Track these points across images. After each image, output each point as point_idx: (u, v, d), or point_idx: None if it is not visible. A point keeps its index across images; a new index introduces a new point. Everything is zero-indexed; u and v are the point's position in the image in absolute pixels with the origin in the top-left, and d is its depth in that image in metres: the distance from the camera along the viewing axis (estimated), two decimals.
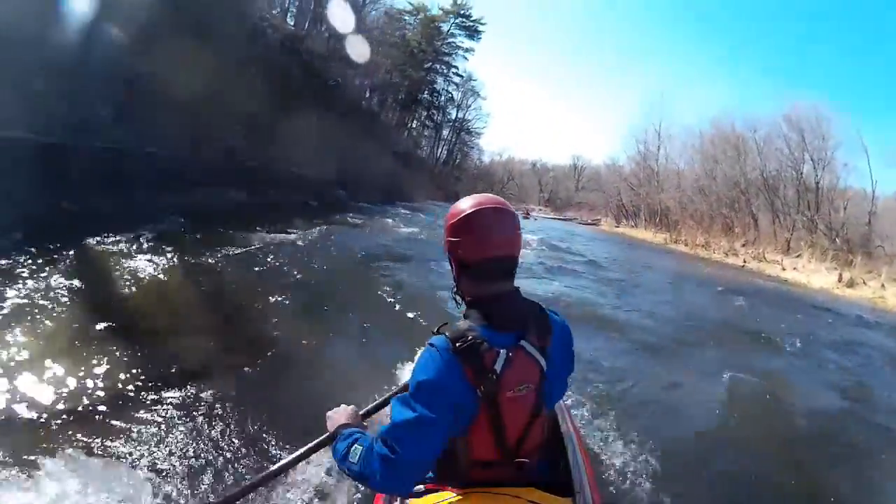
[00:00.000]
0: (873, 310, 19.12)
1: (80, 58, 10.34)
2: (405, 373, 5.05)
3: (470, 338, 1.79)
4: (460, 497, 1.89)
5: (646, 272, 19.88)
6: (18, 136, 8.88)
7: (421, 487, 2.00)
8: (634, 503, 3.68)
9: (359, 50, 29.90)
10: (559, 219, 68.08)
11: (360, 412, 2.26)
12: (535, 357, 1.87)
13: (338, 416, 2.16)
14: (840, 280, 25.03)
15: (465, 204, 2.01)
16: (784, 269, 28.86)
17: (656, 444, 4.47)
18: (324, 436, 2.21)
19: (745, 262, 32.02)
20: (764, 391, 6.51)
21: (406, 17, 57.08)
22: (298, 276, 8.77)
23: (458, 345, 1.77)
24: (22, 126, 9.00)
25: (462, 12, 63.02)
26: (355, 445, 1.88)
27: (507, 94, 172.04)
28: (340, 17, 28.98)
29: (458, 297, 2.12)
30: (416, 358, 1.88)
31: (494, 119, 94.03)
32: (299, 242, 11.41)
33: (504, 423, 1.85)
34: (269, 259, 9.23)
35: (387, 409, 2.18)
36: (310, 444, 2.31)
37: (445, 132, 75.00)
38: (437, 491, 1.97)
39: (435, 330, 1.92)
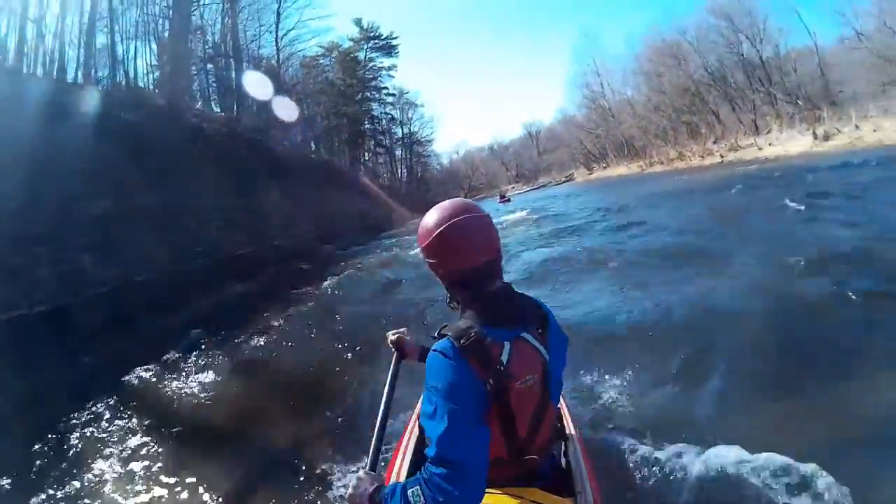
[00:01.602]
0: (854, 152, 19.64)
1: (44, 217, 10.29)
2: None
3: (472, 335, 1.82)
4: None
5: (631, 204, 19.74)
6: (19, 314, 8.84)
7: None
8: (635, 503, 3.69)
9: (288, 109, 29.96)
10: (533, 189, 68.06)
11: (367, 468, 2.15)
12: (537, 347, 1.93)
13: (361, 487, 1.98)
14: (815, 137, 25.23)
15: (432, 221, 2.01)
16: (760, 149, 29.33)
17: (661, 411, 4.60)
18: None
19: (721, 157, 32.57)
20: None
21: (322, 61, 57.13)
22: (327, 333, 8.88)
23: (462, 342, 1.80)
24: (18, 304, 8.96)
25: (372, 35, 63.77)
26: (408, 491, 1.75)
27: (444, 88, 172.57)
28: (258, 86, 29.05)
29: (452, 305, 2.13)
30: (426, 366, 1.88)
31: (441, 119, 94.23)
32: (310, 306, 11.54)
33: (514, 418, 1.89)
34: (293, 330, 9.37)
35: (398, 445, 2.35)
36: None
37: (399, 152, 76.00)
38: None
39: (436, 334, 1.94)
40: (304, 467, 4.65)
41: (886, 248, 7.09)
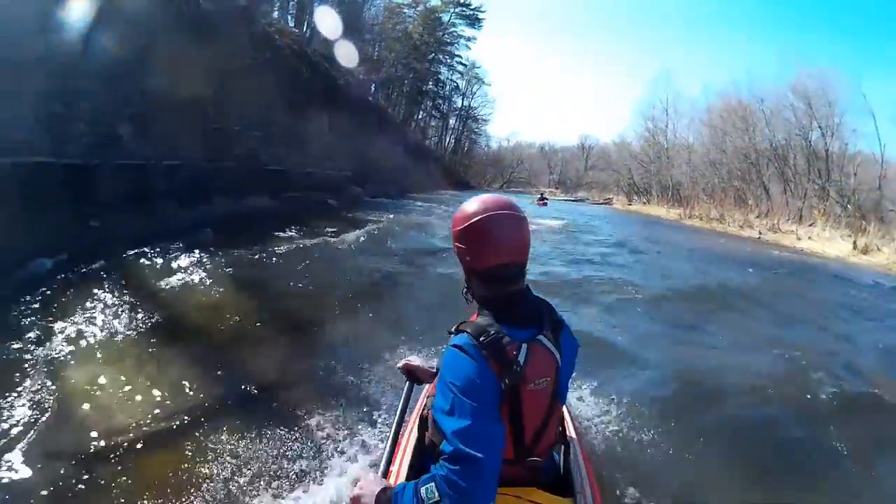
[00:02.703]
0: (888, 275, 19.08)
1: (94, 77, 10.23)
2: None
3: (492, 332, 1.82)
4: None
5: (663, 248, 19.77)
6: (41, 161, 8.81)
7: None
8: (635, 503, 3.67)
9: (349, 53, 29.75)
10: (571, 200, 67.52)
11: (380, 473, 2.20)
12: (551, 350, 1.93)
13: (368, 487, 1.94)
14: (855, 247, 24.83)
15: (472, 208, 1.99)
16: (799, 239, 28.62)
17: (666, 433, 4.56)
18: None
19: (760, 233, 31.79)
20: (784, 369, 6.42)
21: (406, 11, 56.81)
22: (336, 277, 8.85)
23: (481, 339, 1.81)
24: (44, 150, 8.93)
25: (461, 1, 62.79)
26: (422, 489, 1.72)
27: (512, 77, 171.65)
28: (330, 23, 28.86)
29: (468, 296, 2.13)
30: (442, 361, 1.88)
31: (501, 104, 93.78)
32: (328, 242, 11.52)
33: (523, 419, 1.90)
34: (302, 262, 9.25)
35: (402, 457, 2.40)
36: None
37: (452, 121, 75.20)
38: None
39: (452, 329, 1.98)
40: (276, 400, 4.65)
41: None
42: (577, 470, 2.31)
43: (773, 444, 4.64)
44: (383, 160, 35.53)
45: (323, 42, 28.58)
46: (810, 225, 32.53)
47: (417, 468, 2.29)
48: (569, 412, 2.94)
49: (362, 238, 12.61)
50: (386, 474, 2.24)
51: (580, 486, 2.19)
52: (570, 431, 2.71)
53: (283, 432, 4.09)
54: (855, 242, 25.36)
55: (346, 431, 4.18)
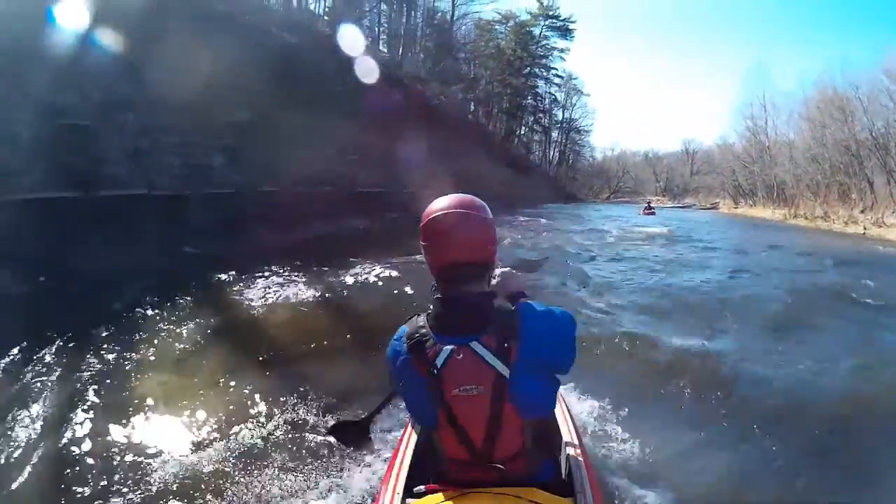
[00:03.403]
0: None
1: (182, 112, 10.52)
2: None
3: (417, 334, 1.85)
4: (460, 497, 1.87)
5: (764, 252, 18.49)
6: (138, 193, 9.10)
7: (421, 488, 2.01)
8: (635, 503, 3.57)
9: (453, 66, 29.92)
10: (678, 207, 65.84)
11: (364, 416, 2.57)
12: (485, 359, 1.81)
13: None
14: None
15: (426, 210, 1.96)
16: None
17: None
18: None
19: (865, 229, 30.02)
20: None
21: (497, 27, 57.08)
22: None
23: (408, 336, 1.86)
24: (140, 183, 9.23)
25: (550, 13, 62.68)
26: None
27: (610, 85, 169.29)
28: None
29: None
30: None
31: (602, 113, 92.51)
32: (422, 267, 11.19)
33: (460, 422, 1.86)
34: (405, 280, 8.86)
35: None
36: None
37: (555, 134, 74.94)
38: (437, 491, 1.96)
39: (409, 316, 2.00)
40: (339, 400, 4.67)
41: None
42: (577, 470, 2.28)
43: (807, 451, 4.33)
44: (486, 177, 35.44)
45: (419, 64, 28.95)
46: None
47: (420, 459, 2.34)
48: (569, 412, 2.93)
49: None
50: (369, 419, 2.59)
51: (580, 486, 2.14)
52: (570, 431, 2.68)
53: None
54: None
55: None
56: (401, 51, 30.62)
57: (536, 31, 63.22)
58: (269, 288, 7.92)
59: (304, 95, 15.03)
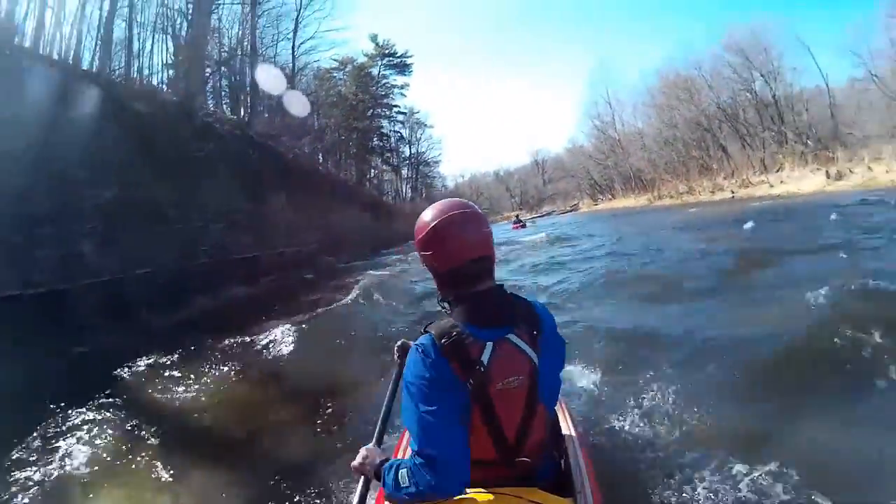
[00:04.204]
0: (868, 191, 19.79)
1: (47, 200, 9.99)
2: None
3: (454, 333, 1.86)
4: (461, 497, 1.89)
5: (638, 234, 20.05)
6: (11, 294, 8.51)
7: None
8: (635, 503, 3.62)
9: (299, 104, 29.85)
10: (539, 216, 68.08)
11: (374, 443, 2.33)
12: (523, 350, 1.91)
13: (369, 458, 2.13)
14: (828, 177, 25.63)
15: (428, 216, 2.05)
16: (772, 186, 29.73)
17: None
18: (361, 482, 2.19)
19: (732, 192, 32.77)
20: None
21: (335, 74, 57.25)
22: (335, 345, 8.62)
23: (443, 341, 1.85)
24: (13, 283, 8.63)
25: (387, 52, 64.05)
26: (401, 472, 1.87)
27: (454, 113, 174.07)
28: (272, 87, 29.00)
29: (443, 305, 2.14)
30: (406, 360, 1.95)
31: (449, 141, 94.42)
32: (318, 314, 11.19)
33: (499, 419, 1.89)
34: (295, 344, 8.76)
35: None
36: (359, 492, 2.24)
37: (405, 171, 76.00)
38: None
39: (423, 329, 1.99)
40: (293, 476, 4.45)
41: None
42: (577, 469, 2.33)
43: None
44: (347, 225, 35.55)
45: (266, 120, 28.62)
46: (778, 170, 33.26)
47: None
48: (567, 411, 2.98)
49: (350, 300, 12.51)
50: (381, 442, 2.40)
51: (580, 486, 2.20)
52: (570, 430, 2.72)
53: None
54: (827, 172, 26.16)
55: None
56: (250, 110, 30.17)
57: (375, 71, 64.15)
58: (178, 374, 7.56)
59: (166, 167, 14.59)
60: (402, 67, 66.06)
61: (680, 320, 7.22)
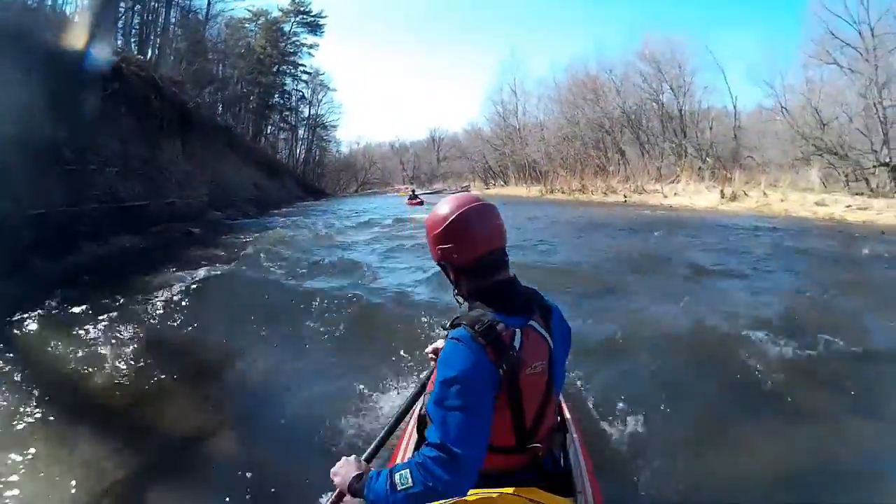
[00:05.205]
0: (760, 217, 20.56)
1: None
2: (384, 397, 5.15)
3: (486, 321, 1.90)
4: (461, 497, 1.88)
5: (530, 227, 19.97)
6: None
7: None
8: (635, 503, 3.74)
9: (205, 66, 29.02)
10: (429, 193, 68.07)
11: (363, 458, 2.22)
12: (543, 335, 2.03)
13: (344, 469, 2.08)
14: (723, 196, 26.33)
15: (446, 209, 2.12)
16: (665, 197, 29.92)
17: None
18: (334, 493, 2.08)
19: (625, 197, 32.90)
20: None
21: (247, 25, 55.62)
22: (223, 308, 8.39)
23: (476, 328, 1.88)
24: None
25: (301, 9, 62.58)
26: (397, 474, 1.82)
27: (357, 80, 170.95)
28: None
29: (459, 298, 2.21)
30: (442, 353, 1.93)
31: (349, 108, 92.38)
32: (201, 276, 10.52)
33: (522, 404, 1.96)
34: (183, 300, 8.45)
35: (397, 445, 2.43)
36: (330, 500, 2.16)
37: (301, 132, 74.09)
38: None
39: (447, 325, 2.05)
40: (197, 454, 4.51)
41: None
42: (577, 468, 2.37)
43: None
44: (238, 181, 34.85)
45: (171, 66, 27.70)
46: (674, 182, 34.17)
47: None
48: (567, 409, 3.01)
49: (235, 263, 12.22)
50: (370, 460, 2.25)
51: (580, 485, 2.23)
52: (570, 429, 2.74)
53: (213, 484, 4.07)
54: (722, 192, 26.88)
55: (274, 471, 4.15)
56: (157, 52, 29.08)
57: (287, 27, 62.92)
58: (61, 327, 7.20)
59: (64, 105, 14.08)
60: (315, 27, 64.94)
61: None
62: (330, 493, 2.10)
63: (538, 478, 2.10)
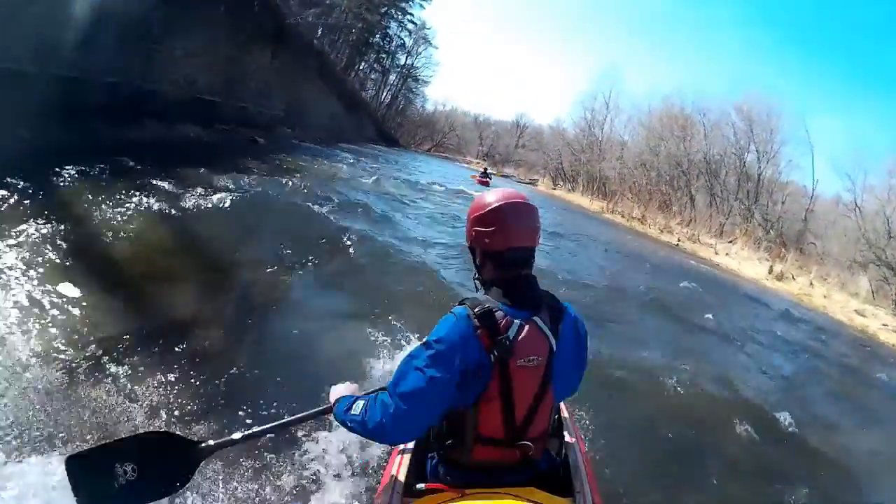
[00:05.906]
0: (798, 305, 19.75)
1: None
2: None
3: (488, 306, 1.99)
4: (460, 497, 1.95)
5: (583, 240, 19.91)
6: None
7: (422, 486, 2.12)
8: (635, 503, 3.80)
9: None
10: (500, 176, 67.46)
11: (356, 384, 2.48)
12: (545, 333, 2.05)
13: (339, 389, 2.41)
14: (770, 272, 25.39)
15: (492, 197, 2.18)
16: (717, 254, 28.95)
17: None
18: (324, 406, 2.44)
19: (679, 240, 31.85)
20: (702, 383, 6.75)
21: None
22: (263, 223, 8.65)
23: (476, 310, 1.97)
24: None
25: None
26: (357, 402, 2.13)
27: (457, 44, 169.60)
28: None
29: (477, 283, 2.31)
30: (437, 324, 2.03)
31: (443, 69, 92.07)
32: (253, 184, 11.08)
33: (513, 396, 1.99)
34: (228, 203, 8.72)
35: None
36: (311, 411, 2.53)
37: (392, 77, 73.86)
38: (437, 491, 2.06)
39: (458, 303, 2.09)
40: (188, 342, 4.60)
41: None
42: (576, 469, 2.37)
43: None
44: (318, 105, 35.24)
45: None
46: (730, 242, 33.24)
47: (419, 458, 2.43)
48: (568, 412, 3.01)
49: (290, 184, 12.29)
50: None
51: (580, 486, 2.24)
52: (570, 430, 2.76)
53: (197, 375, 4.15)
54: (771, 267, 25.94)
55: (258, 375, 4.36)
56: None
57: None
58: (104, 192, 7.41)
59: None
60: None
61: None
62: (322, 406, 2.47)
63: (535, 478, 2.14)
